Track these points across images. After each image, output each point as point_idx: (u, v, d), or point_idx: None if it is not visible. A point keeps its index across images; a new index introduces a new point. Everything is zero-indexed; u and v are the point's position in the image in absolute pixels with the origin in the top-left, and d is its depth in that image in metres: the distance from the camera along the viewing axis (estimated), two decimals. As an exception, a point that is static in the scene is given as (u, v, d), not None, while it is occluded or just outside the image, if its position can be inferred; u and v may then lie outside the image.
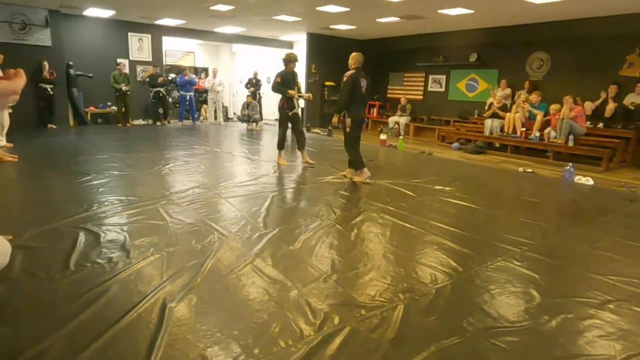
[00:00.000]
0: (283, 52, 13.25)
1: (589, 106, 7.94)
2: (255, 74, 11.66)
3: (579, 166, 6.62)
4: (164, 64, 11.95)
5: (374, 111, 12.79)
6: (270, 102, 13.47)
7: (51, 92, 9.30)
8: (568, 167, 6.09)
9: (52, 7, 9.12)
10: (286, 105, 6.06)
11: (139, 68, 11.13)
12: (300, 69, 9.44)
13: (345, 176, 5.42)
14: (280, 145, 6.24)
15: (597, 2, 6.78)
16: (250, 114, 10.75)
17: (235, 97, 14.65)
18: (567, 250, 3.24)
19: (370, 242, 3.20)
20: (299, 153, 6.46)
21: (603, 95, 7.90)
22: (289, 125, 6.30)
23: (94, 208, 3.70)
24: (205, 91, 12.31)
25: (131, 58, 10.97)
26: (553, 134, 7.76)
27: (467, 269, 2.76)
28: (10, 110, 6.93)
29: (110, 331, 1.89)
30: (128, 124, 10.46)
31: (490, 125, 8.81)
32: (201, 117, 12.69)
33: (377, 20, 9.23)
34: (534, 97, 8.46)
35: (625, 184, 5.80)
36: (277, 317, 2.07)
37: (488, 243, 3.26)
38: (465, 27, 9.70)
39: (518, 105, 8.61)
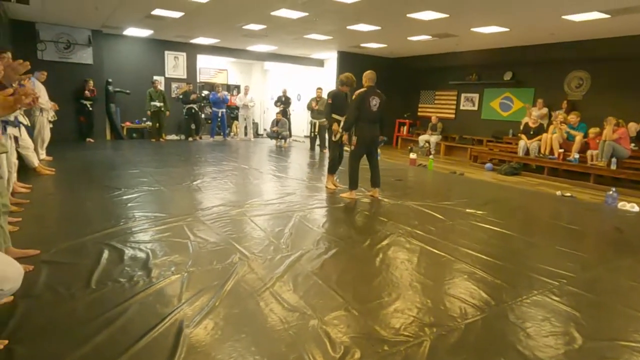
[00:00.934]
0: (314, 70, 13.50)
1: (633, 127, 7.54)
2: (285, 92, 11.78)
3: (622, 191, 6.23)
4: (198, 81, 12.28)
5: (404, 129, 12.64)
6: (299, 119, 13.59)
7: (91, 109, 9.70)
8: (611, 192, 5.74)
9: (95, 27, 9.59)
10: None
11: (173, 85, 11.48)
12: (331, 87, 9.45)
13: (372, 196, 5.31)
14: (331, 169, 5.80)
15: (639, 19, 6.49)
16: (280, 130, 10.83)
17: (265, 114, 14.86)
18: (610, 284, 2.99)
19: (396, 268, 3.06)
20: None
21: (648, 116, 7.49)
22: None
23: (121, 224, 3.74)
24: (237, 108, 12.54)
25: (167, 75, 11.34)
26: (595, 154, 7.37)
27: (500, 302, 2.58)
28: (52, 125, 7.24)
29: (122, 357, 1.84)
30: (161, 139, 10.74)
31: (524, 145, 8.50)
32: (232, 133, 12.90)
33: (408, 38, 9.16)
34: (573, 118, 8.11)
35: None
36: (295, 349, 1.97)
37: (523, 274, 3.06)
38: (500, 45, 9.49)
39: (555, 126, 8.27)
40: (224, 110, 11.78)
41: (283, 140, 10.94)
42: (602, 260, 3.56)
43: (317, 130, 9.91)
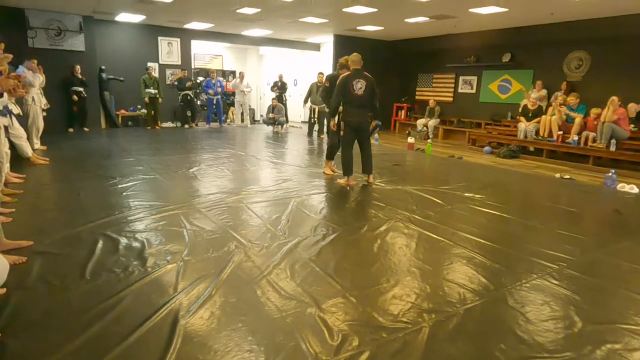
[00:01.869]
0: (311, 55, 13.32)
1: (633, 108, 7.45)
2: (281, 77, 11.62)
3: (622, 173, 6.19)
4: (193, 67, 12.10)
5: (402, 114, 12.53)
6: (296, 105, 13.45)
7: (85, 95, 9.51)
8: (610, 174, 5.71)
9: (86, 13, 9.38)
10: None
11: (168, 72, 11.30)
12: (328, 72, 9.31)
13: (367, 182, 5.26)
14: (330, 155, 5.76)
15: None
16: (276, 117, 10.72)
17: (262, 100, 14.71)
18: (610, 267, 2.97)
19: (395, 254, 3.03)
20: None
21: (648, 97, 7.40)
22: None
23: (116, 213, 3.70)
24: (233, 94, 12.39)
25: (161, 62, 11.15)
26: (592, 136, 7.32)
27: (499, 287, 2.55)
28: (45, 114, 7.14)
29: (117, 349, 1.82)
30: (157, 127, 10.63)
31: (524, 128, 8.43)
32: (228, 120, 12.78)
33: (406, 20, 9.00)
34: (572, 100, 8.03)
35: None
36: (293, 337, 1.95)
37: (522, 258, 3.03)
38: (498, 26, 9.33)
39: (555, 108, 8.19)
40: (220, 96, 11.63)
41: (280, 127, 10.84)
42: (602, 243, 3.53)
43: (316, 116, 9.81)
